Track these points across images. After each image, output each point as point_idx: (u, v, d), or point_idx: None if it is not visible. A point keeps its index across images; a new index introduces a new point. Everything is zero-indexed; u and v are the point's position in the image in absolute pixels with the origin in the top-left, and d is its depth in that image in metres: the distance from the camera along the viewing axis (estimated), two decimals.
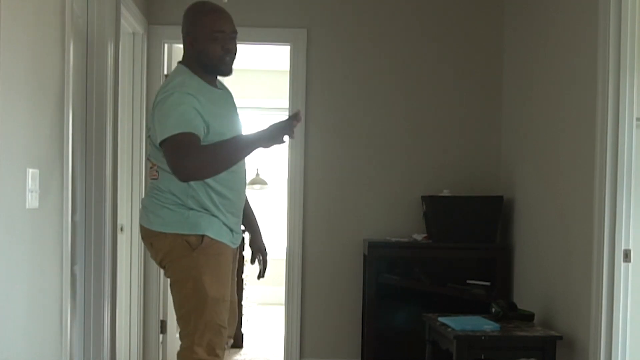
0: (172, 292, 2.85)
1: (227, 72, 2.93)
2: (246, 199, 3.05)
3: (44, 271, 2.55)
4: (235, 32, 2.94)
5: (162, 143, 2.66)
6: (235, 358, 5.41)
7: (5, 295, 2.19)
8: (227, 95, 3.00)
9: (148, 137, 2.90)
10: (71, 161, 2.82)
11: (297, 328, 4.68)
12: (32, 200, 2.37)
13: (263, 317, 6.92)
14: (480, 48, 4.73)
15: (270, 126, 2.72)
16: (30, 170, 2.36)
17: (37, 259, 2.47)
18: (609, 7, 3.21)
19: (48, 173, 2.54)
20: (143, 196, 3.77)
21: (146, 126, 2.85)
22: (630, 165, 3.20)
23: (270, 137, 2.72)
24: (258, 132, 2.75)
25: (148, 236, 2.84)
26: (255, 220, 3.15)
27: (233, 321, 3.06)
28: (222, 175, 2.76)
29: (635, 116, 3.22)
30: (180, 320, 2.81)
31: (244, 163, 2.94)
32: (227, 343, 3.08)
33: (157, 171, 2.82)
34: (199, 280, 2.72)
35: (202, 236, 2.73)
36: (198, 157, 2.65)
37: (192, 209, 2.75)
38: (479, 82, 4.73)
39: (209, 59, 2.84)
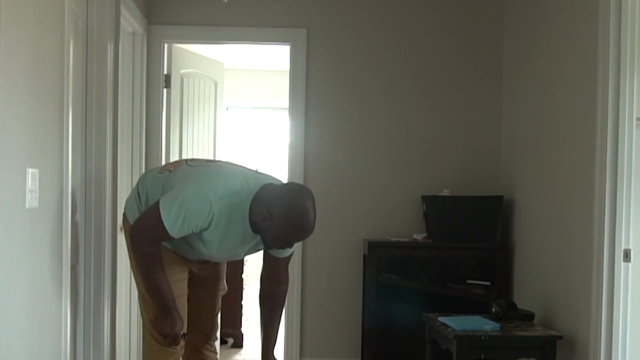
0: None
1: (266, 247, 2.85)
2: (280, 313, 3.05)
3: (44, 271, 2.54)
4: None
5: (159, 201, 2.67)
6: (235, 358, 5.41)
7: (5, 295, 2.18)
8: (251, 237, 2.81)
9: (186, 163, 2.96)
10: (71, 161, 2.82)
11: (297, 328, 4.68)
12: (32, 200, 2.37)
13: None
14: (480, 48, 4.73)
15: (174, 314, 2.76)
16: (30, 170, 2.35)
17: (37, 259, 2.47)
18: (609, 7, 3.20)
19: (48, 173, 2.54)
20: None
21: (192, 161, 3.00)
22: (630, 165, 3.20)
23: (163, 314, 2.77)
24: (169, 306, 2.76)
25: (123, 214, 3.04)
26: (271, 336, 3.05)
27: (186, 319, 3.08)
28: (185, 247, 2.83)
29: (635, 116, 3.21)
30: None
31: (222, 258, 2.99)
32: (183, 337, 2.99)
33: (165, 173, 2.91)
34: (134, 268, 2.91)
35: None
36: (143, 245, 2.70)
37: None
38: (479, 82, 4.73)
39: (262, 235, 2.74)
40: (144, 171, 4.49)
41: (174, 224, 2.60)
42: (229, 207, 2.65)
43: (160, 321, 2.78)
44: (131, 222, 2.87)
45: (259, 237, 2.77)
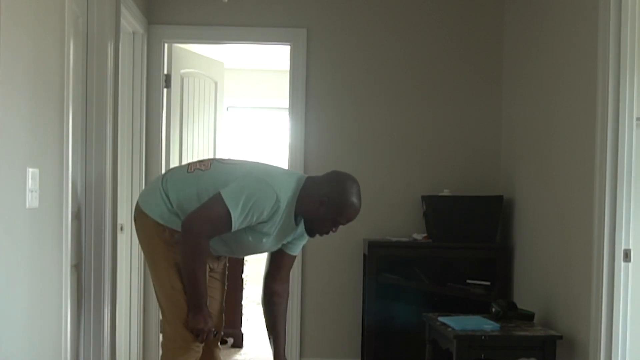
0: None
1: (311, 235, 3.01)
2: (286, 310, 3.17)
3: (44, 271, 2.55)
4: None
5: (220, 194, 2.73)
6: (235, 358, 5.41)
7: (5, 295, 2.19)
8: (292, 231, 2.96)
9: (226, 162, 3.01)
10: (71, 161, 2.82)
11: (297, 328, 4.68)
12: (32, 200, 2.37)
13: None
14: (480, 48, 4.73)
15: (205, 310, 2.83)
16: (30, 170, 2.35)
17: (37, 259, 2.47)
18: (609, 7, 3.20)
19: (48, 173, 2.54)
20: None
21: (233, 161, 3.07)
22: (630, 165, 3.20)
23: (195, 311, 2.82)
24: (202, 302, 2.83)
25: (136, 212, 2.97)
26: (282, 334, 3.15)
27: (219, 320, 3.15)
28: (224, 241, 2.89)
29: (635, 116, 3.22)
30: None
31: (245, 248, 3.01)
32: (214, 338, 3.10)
33: (196, 171, 2.90)
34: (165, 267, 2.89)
35: (174, 231, 2.83)
36: (199, 239, 2.73)
37: (176, 215, 2.85)
38: (479, 82, 4.73)
39: (312, 223, 2.92)
40: (144, 171, 4.50)
41: (239, 215, 2.70)
42: (289, 200, 2.80)
43: (192, 317, 2.81)
44: (160, 221, 2.85)
45: (295, 231, 2.92)
